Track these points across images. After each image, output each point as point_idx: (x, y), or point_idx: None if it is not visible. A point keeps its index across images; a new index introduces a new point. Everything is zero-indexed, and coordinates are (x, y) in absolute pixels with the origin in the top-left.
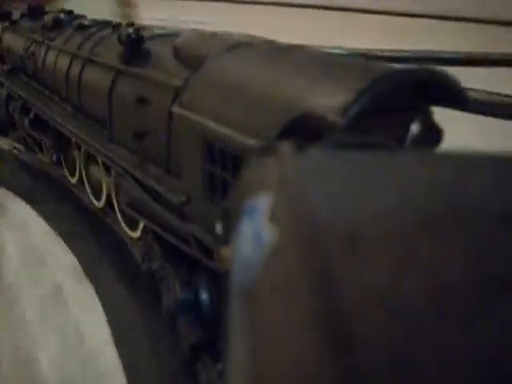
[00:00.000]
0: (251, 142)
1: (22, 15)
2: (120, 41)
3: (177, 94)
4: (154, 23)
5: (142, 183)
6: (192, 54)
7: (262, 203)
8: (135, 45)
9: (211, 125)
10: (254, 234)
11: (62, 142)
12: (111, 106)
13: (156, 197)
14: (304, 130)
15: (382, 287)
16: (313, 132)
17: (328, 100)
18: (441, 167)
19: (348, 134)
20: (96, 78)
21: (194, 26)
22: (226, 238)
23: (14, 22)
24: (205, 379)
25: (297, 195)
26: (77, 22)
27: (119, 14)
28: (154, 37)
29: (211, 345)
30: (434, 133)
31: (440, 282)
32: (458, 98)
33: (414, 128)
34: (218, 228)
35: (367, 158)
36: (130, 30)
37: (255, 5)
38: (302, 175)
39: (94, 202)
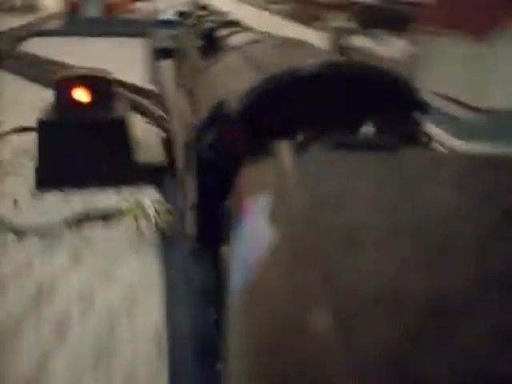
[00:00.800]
0: (196, 123)
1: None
2: (200, 37)
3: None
4: None
5: None
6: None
7: (262, 203)
8: (209, 40)
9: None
10: (254, 233)
11: None
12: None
13: None
14: (221, 114)
15: (382, 287)
16: (226, 116)
17: (241, 89)
18: (441, 168)
19: (347, 136)
20: (187, 69)
21: None
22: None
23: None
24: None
25: (297, 195)
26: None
27: None
28: (225, 35)
29: None
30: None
31: (440, 282)
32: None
33: (365, 130)
34: None
35: (366, 159)
36: (209, 25)
37: None
38: (301, 176)
39: None
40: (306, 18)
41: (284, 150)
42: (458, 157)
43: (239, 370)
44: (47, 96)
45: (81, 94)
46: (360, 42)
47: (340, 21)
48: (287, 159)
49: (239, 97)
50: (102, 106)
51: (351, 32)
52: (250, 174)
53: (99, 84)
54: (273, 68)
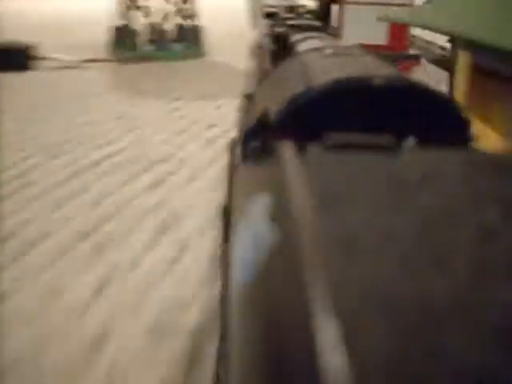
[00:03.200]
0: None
1: None
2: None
3: None
4: None
5: None
6: None
7: (262, 203)
8: (280, 45)
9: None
10: (254, 234)
11: None
12: None
13: None
14: (265, 123)
15: (382, 290)
16: (269, 125)
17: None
18: (443, 168)
19: (348, 135)
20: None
21: None
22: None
23: None
24: None
25: (296, 196)
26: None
27: None
28: (299, 40)
29: None
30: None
31: (440, 285)
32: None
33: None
34: None
35: (368, 159)
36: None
37: None
38: (302, 175)
39: None
40: None
41: (284, 149)
42: (464, 156)
43: (239, 372)
44: None
45: None
46: None
47: None
48: (287, 158)
49: (279, 106)
50: None
51: None
52: (250, 174)
53: None
54: (320, 78)
